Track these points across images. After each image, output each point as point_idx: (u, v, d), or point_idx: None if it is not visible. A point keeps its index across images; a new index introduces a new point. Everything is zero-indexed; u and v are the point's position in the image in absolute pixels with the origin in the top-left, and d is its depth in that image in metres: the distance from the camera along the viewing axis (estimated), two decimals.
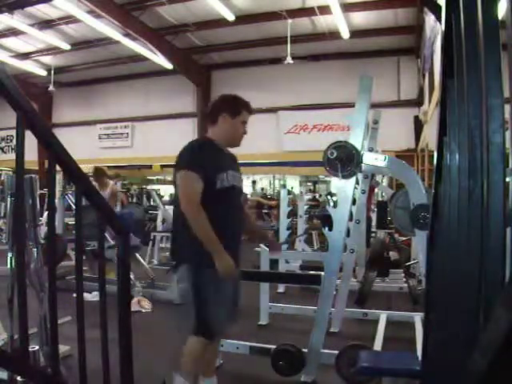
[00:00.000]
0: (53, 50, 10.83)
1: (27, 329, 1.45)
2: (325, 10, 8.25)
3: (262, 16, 9.08)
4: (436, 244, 1.53)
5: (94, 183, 5.70)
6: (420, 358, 1.97)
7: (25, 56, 11.21)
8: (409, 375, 2.08)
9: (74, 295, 1.66)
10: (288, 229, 6.20)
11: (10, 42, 10.44)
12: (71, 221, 6.48)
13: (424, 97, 8.91)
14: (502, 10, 0.88)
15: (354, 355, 2.29)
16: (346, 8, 8.26)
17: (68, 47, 10.40)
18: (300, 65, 10.31)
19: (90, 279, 4.25)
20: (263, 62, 11.33)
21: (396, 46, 10.32)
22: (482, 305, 0.86)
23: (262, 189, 15.43)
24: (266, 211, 11.35)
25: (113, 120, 13.31)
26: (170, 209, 9.31)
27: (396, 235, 5.91)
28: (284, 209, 6.21)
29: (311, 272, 4.07)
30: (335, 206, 2.98)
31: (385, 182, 7.75)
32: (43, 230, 3.15)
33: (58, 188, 6.13)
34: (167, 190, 15.33)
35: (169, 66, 10.73)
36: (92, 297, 4.01)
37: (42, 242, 2.35)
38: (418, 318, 3.65)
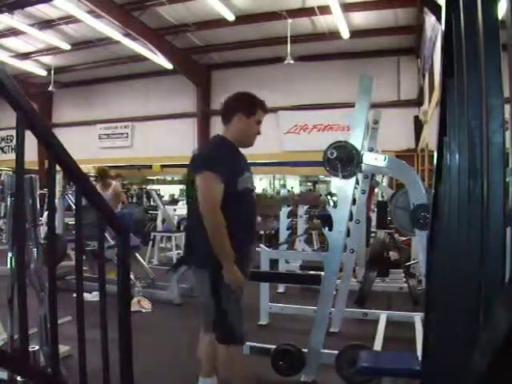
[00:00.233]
0: (53, 50, 10.83)
1: (27, 329, 1.44)
2: (325, 9, 8.25)
3: (262, 16, 9.08)
4: (436, 244, 1.53)
5: (96, 183, 5.71)
6: (420, 357, 1.97)
7: (25, 56, 11.21)
8: (409, 375, 2.09)
9: (74, 295, 1.66)
10: (288, 229, 6.21)
11: (9, 42, 10.44)
12: (71, 221, 6.48)
13: (424, 97, 8.91)
14: (501, 10, 0.88)
15: (354, 355, 2.29)
16: (346, 8, 8.26)
17: (68, 47, 10.40)
18: (300, 65, 10.30)
19: (90, 279, 4.25)
20: (263, 62, 11.32)
21: (396, 46, 10.31)
22: (482, 305, 0.86)
23: (263, 189, 15.43)
24: None
25: (113, 120, 13.31)
26: (170, 209, 9.36)
27: (396, 235, 5.90)
28: (284, 209, 6.21)
29: (311, 272, 4.07)
30: (335, 206, 2.97)
31: (385, 182, 7.74)
32: (43, 230, 3.14)
33: (58, 188, 6.13)
34: (167, 190, 15.35)
35: (169, 65, 10.73)
36: (92, 297, 4.01)
37: (42, 242, 2.35)
38: (418, 318, 3.64)
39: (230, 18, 8.80)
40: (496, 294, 0.81)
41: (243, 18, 9.04)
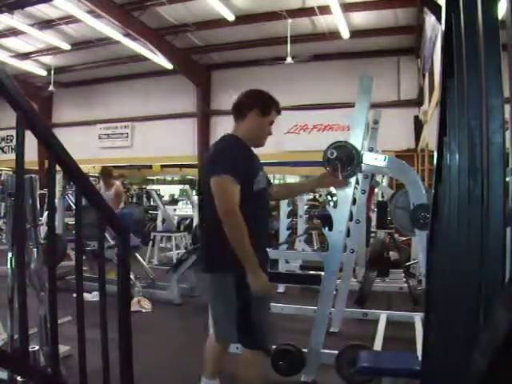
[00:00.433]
0: (53, 50, 10.82)
1: (27, 329, 1.44)
2: (325, 9, 8.24)
3: (262, 16, 9.07)
4: (436, 244, 1.53)
5: (96, 183, 5.72)
6: (420, 357, 1.97)
7: (25, 56, 11.20)
8: (409, 375, 2.09)
9: (74, 295, 1.66)
10: (288, 229, 6.21)
11: (9, 42, 10.43)
12: (71, 221, 6.48)
13: (424, 97, 8.91)
14: (501, 10, 0.88)
15: (354, 355, 2.29)
16: (346, 8, 8.25)
17: (68, 47, 10.40)
18: (300, 65, 10.29)
19: (90, 279, 4.25)
20: (263, 62, 11.31)
21: (396, 46, 10.31)
22: (482, 305, 0.86)
23: None
24: None
25: (113, 120, 13.30)
26: (170, 209, 9.37)
27: (396, 235, 5.90)
28: (284, 209, 6.21)
29: (311, 272, 4.08)
30: (335, 206, 2.97)
31: (385, 182, 7.75)
32: (43, 230, 3.14)
33: (58, 188, 6.13)
34: (167, 190, 15.36)
35: (169, 65, 10.72)
36: (92, 297, 4.01)
37: (42, 242, 2.35)
38: (418, 318, 3.64)
39: (230, 18, 8.79)
40: (496, 294, 0.81)
41: (243, 18, 9.03)
